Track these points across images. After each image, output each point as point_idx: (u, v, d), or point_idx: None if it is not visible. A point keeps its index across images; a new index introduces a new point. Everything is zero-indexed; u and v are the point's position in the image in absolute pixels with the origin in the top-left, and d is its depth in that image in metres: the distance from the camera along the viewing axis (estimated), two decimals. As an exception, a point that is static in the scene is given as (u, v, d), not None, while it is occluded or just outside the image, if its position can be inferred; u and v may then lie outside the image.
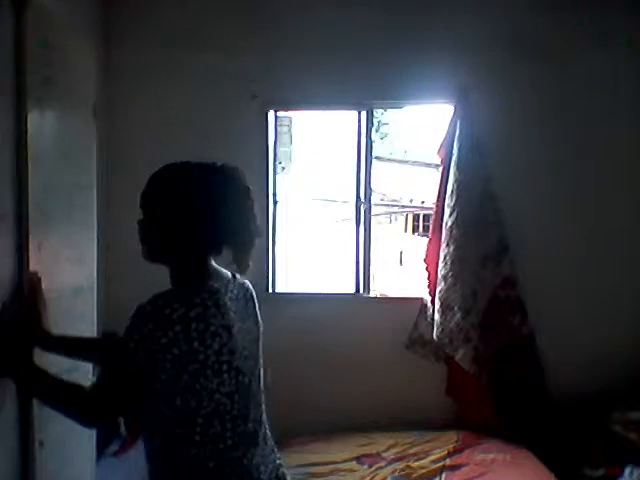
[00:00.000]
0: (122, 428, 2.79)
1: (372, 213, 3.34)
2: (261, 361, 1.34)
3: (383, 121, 10.55)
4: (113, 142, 3.04)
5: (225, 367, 1.18)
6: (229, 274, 1.31)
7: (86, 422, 1.27)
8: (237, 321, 1.24)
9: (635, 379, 3.02)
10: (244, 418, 1.23)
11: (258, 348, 1.33)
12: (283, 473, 1.33)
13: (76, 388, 1.21)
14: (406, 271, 9.04)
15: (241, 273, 1.31)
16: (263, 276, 3.17)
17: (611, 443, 2.68)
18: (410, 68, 3.10)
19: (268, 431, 1.34)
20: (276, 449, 1.36)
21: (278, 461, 1.33)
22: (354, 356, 3.13)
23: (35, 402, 1.40)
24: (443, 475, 2.58)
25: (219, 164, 1.26)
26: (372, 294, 3.41)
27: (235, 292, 1.29)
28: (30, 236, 1.40)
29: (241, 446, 1.22)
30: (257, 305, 1.37)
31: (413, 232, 10.26)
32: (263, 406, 1.34)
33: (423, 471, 2.61)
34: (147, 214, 1.25)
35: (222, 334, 1.18)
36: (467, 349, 2.97)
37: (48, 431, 1.47)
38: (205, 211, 1.22)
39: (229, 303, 1.23)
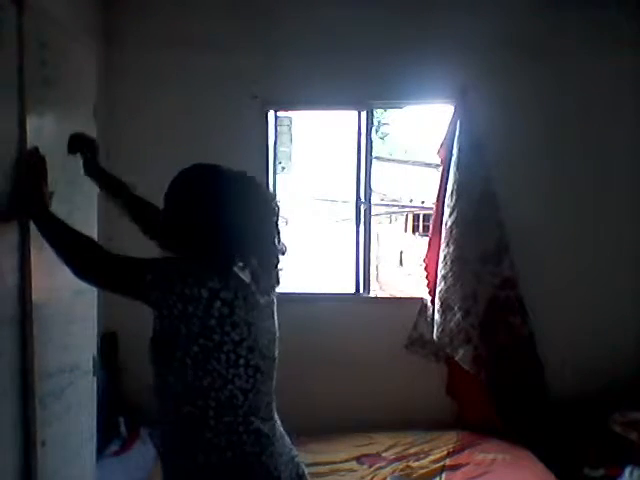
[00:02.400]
0: (122, 428, 2.79)
1: (372, 213, 3.34)
2: (276, 362, 1.37)
3: (383, 121, 10.55)
4: (114, 143, 3.03)
5: (242, 362, 1.22)
6: (250, 277, 1.33)
7: (77, 269, 1.30)
8: (258, 319, 1.27)
9: (635, 379, 3.02)
10: (256, 415, 1.25)
11: (276, 349, 1.36)
12: (303, 471, 1.34)
13: (89, 239, 1.30)
14: (406, 271, 9.04)
15: (272, 288, 1.35)
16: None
17: (611, 443, 2.68)
18: (410, 68, 3.10)
19: (282, 428, 1.36)
20: (293, 446, 1.36)
21: (297, 459, 1.34)
22: (354, 356, 3.13)
23: (37, 402, 1.41)
24: (443, 475, 2.58)
25: (248, 174, 1.30)
26: (372, 294, 3.41)
27: (258, 293, 1.30)
28: (31, 237, 1.40)
29: (256, 443, 1.23)
30: (276, 307, 1.40)
31: (413, 232, 10.26)
32: (274, 404, 1.36)
33: (423, 471, 2.61)
34: (168, 206, 1.29)
35: (243, 328, 1.22)
36: (467, 349, 2.97)
37: (50, 431, 1.48)
38: (224, 215, 1.24)
39: (253, 301, 1.26)
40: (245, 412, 1.22)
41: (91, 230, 1.77)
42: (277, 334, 1.37)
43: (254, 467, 1.23)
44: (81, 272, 1.30)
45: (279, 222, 1.32)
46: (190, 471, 1.23)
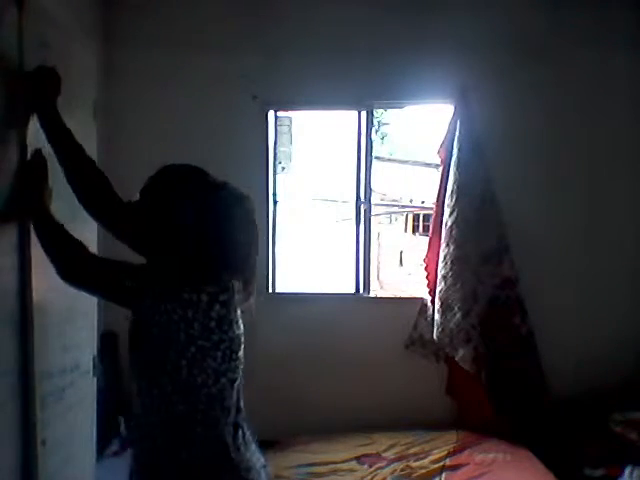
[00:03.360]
0: (122, 428, 2.79)
1: (372, 213, 3.35)
2: None
3: (383, 121, 10.54)
4: (114, 143, 3.04)
5: (235, 356, 1.26)
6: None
7: (64, 274, 1.28)
8: (239, 315, 1.31)
9: (635, 379, 3.02)
10: (235, 406, 1.28)
11: None
12: (264, 460, 1.35)
13: (79, 243, 1.28)
14: (406, 271, 9.05)
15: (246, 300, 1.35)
16: (263, 276, 3.16)
17: (611, 443, 2.68)
18: (410, 68, 3.10)
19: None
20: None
21: (262, 459, 1.35)
22: (354, 356, 3.13)
23: (38, 401, 1.41)
24: (443, 475, 2.59)
25: (235, 190, 1.29)
26: (372, 294, 3.41)
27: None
28: (31, 237, 1.40)
29: (236, 436, 1.26)
30: None
31: (413, 232, 10.25)
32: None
33: (423, 471, 2.61)
34: (159, 208, 1.26)
35: (234, 325, 1.25)
36: (467, 349, 2.97)
37: (50, 430, 1.48)
38: (224, 229, 1.25)
39: (237, 299, 1.30)
40: (229, 404, 1.25)
41: (92, 232, 1.77)
42: None
43: (237, 460, 1.24)
44: (70, 277, 1.28)
45: (258, 239, 1.34)
46: (175, 469, 1.23)
